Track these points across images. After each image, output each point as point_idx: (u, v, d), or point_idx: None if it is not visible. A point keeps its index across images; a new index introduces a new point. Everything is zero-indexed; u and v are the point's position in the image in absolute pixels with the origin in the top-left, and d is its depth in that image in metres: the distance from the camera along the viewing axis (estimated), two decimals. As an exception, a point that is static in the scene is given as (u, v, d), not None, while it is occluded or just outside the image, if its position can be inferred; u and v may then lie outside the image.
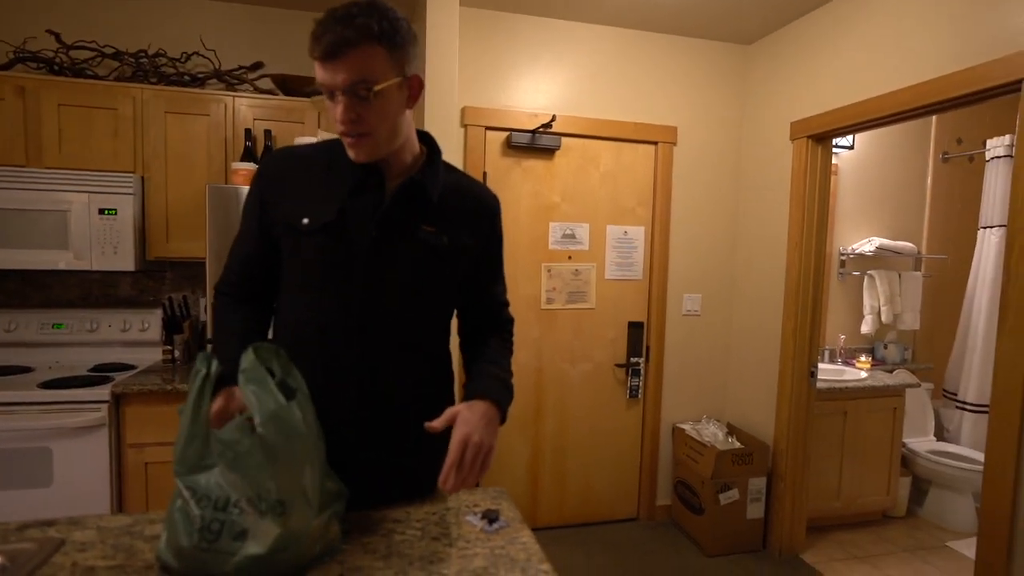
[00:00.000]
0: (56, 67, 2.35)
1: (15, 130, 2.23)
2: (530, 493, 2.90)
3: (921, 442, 3.28)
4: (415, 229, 1.05)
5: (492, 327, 1.23)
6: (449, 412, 1.01)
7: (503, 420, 1.08)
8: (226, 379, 0.96)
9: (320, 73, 0.93)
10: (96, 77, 2.39)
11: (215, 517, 0.86)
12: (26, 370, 2.36)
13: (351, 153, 1.00)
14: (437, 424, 0.99)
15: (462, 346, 1.26)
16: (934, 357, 3.59)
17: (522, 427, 2.85)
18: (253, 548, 0.84)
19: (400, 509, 1.15)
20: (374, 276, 1.04)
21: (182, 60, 2.51)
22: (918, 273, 3.48)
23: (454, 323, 1.25)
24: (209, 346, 2.17)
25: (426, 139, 1.13)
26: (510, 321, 1.26)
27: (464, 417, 1.00)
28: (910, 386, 3.09)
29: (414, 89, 1.00)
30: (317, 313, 1.05)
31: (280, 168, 1.09)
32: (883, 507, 3.09)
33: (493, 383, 1.10)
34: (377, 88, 0.92)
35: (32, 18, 2.47)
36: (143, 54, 2.45)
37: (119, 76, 2.44)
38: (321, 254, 1.03)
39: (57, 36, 2.36)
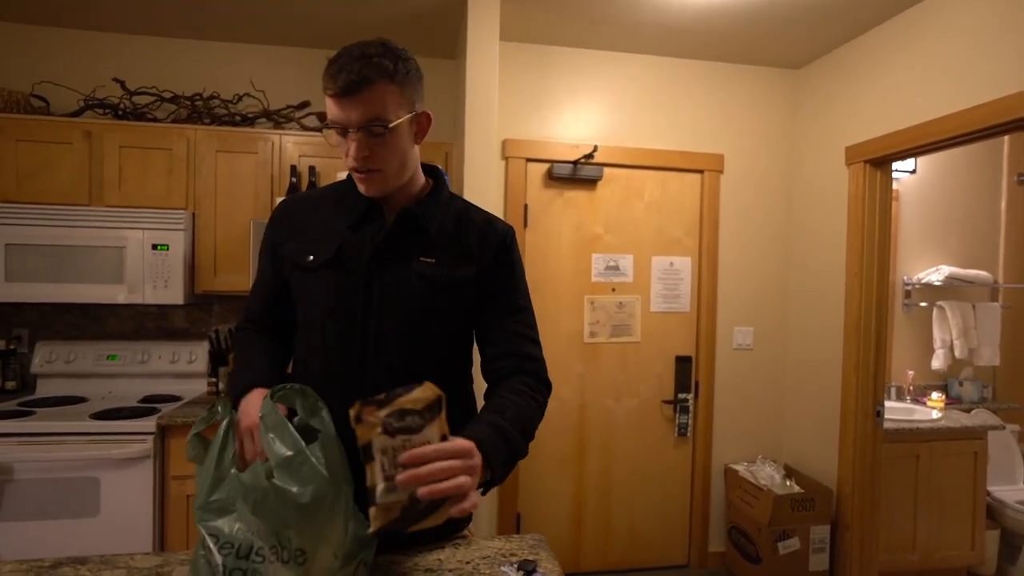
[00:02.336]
0: (120, 112, 2.49)
1: (81, 172, 2.35)
2: (572, 535, 2.77)
3: (1009, 491, 2.97)
4: (411, 261, 1.04)
5: (516, 371, 1.09)
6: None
7: (493, 477, 0.89)
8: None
9: (334, 110, 0.94)
10: (155, 120, 2.52)
11: (236, 566, 0.83)
12: (81, 400, 2.44)
13: (362, 188, 1.01)
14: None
15: (487, 392, 1.12)
16: (1020, 396, 3.28)
17: (564, 466, 2.74)
18: (273, 601, 0.80)
19: (431, 556, 1.09)
20: (372, 309, 1.04)
21: (234, 101, 2.62)
22: (995, 304, 3.22)
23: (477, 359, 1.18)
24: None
25: (433, 172, 1.14)
26: (539, 375, 1.10)
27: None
28: (993, 428, 2.82)
29: (423, 125, 1.03)
30: (323, 348, 1.07)
31: (289, 211, 1.14)
32: (968, 563, 2.79)
33: (487, 432, 0.90)
34: (392, 125, 0.94)
35: (102, 67, 2.63)
36: (198, 97, 2.56)
37: (176, 118, 2.56)
38: (324, 289, 1.05)
39: (122, 84, 2.51)
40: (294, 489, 0.81)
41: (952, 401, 3.15)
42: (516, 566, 1.07)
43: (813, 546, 2.51)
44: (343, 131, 0.95)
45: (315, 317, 1.08)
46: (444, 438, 0.77)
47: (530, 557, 1.11)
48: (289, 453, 0.82)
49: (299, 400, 0.90)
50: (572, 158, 2.69)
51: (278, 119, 2.62)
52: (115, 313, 2.69)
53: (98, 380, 2.58)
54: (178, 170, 2.40)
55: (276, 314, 1.16)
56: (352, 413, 0.74)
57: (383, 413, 0.73)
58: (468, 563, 1.09)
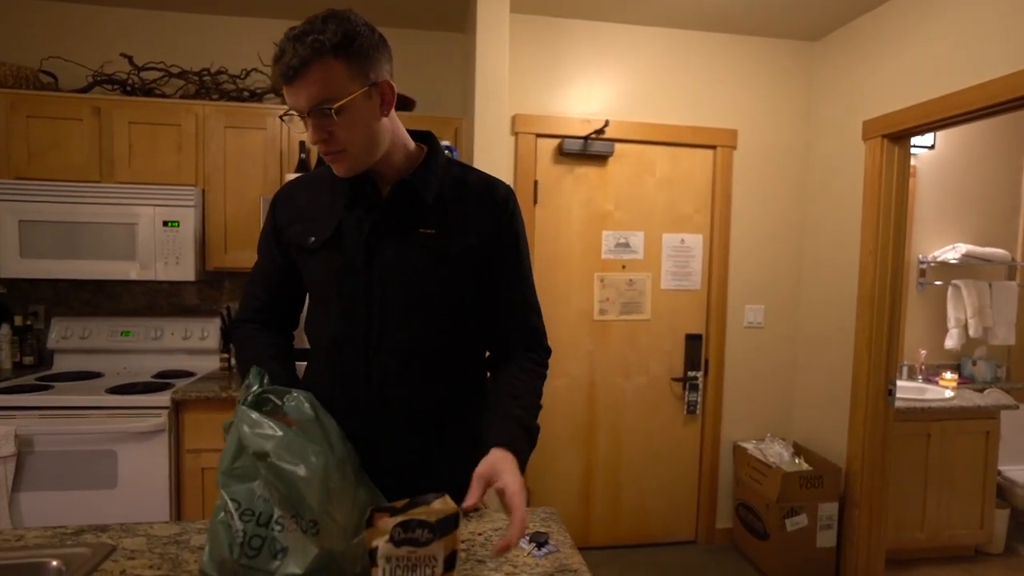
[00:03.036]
0: (128, 88, 2.48)
1: (91, 148, 2.35)
2: (582, 511, 2.80)
3: (1021, 471, 2.97)
4: (411, 233, 1.03)
5: (520, 345, 1.12)
6: (477, 478, 0.89)
7: (522, 470, 0.95)
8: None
9: (287, 98, 0.91)
10: (163, 95, 2.51)
11: (256, 533, 0.84)
12: (97, 375, 2.47)
13: (335, 169, 1.00)
14: (471, 501, 0.86)
15: (490, 365, 1.16)
16: (1032, 375, 3.25)
17: (574, 443, 2.75)
18: (291, 567, 0.82)
19: (444, 528, 1.10)
20: (374, 285, 1.03)
21: (242, 76, 2.60)
22: (1013, 283, 3.17)
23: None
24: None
25: (426, 138, 1.12)
26: (542, 346, 1.14)
27: (498, 469, 0.89)
28: (1006, 407, 2.80)
29: (386, 95, 0.96)
30: (329, 326, 1.08)
31: (289, 195, 1.13)
32: (976, 541, 2.80)
33: (513, 429, 0.97)
34: (337, 105, 0.88)
35: (109, 43, 2.61)
36: (206, 72, 2.54)
37: (184, 94, 2.54)
38: (326, 269, 1.05)
39: (130, 59, 2.49)
40: (288, 467, 0.83)
41: (965, 380, 3.13)
42: (529, 538, 1.08)
43: (821, 523, 2.52)
44: (301, 116, 0.92)
45: (321, 297, 1.09)
46: (452, 555, 0.76)
47: (542, 530, 1.12)
48: (277, 435, 0.84)
49: (273, 396, 0.92)
50: (583, 133, 2.65)
51: (286, 94, 2.60)
52: (129, 290, 2.71)
53: (113, 356, 2.61)
54: (187, 146, 2.40)
55: (280, 303, 1.16)
56: (365, 516, 0.75)
57: (393, 522, 0.74)
58: (480, 535, 1.10)
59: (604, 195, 2.75)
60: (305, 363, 1.17)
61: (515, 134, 2.63)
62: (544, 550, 1.04)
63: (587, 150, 2.66)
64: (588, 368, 2.75)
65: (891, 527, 2.58)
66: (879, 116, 2.45)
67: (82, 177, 2.36)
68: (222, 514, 0.88)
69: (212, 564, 0.88)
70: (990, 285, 3.11)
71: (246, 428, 0.85)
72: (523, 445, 0.96)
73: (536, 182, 2.66)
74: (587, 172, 2.73)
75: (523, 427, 0.99)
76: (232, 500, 0.87)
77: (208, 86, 2.51)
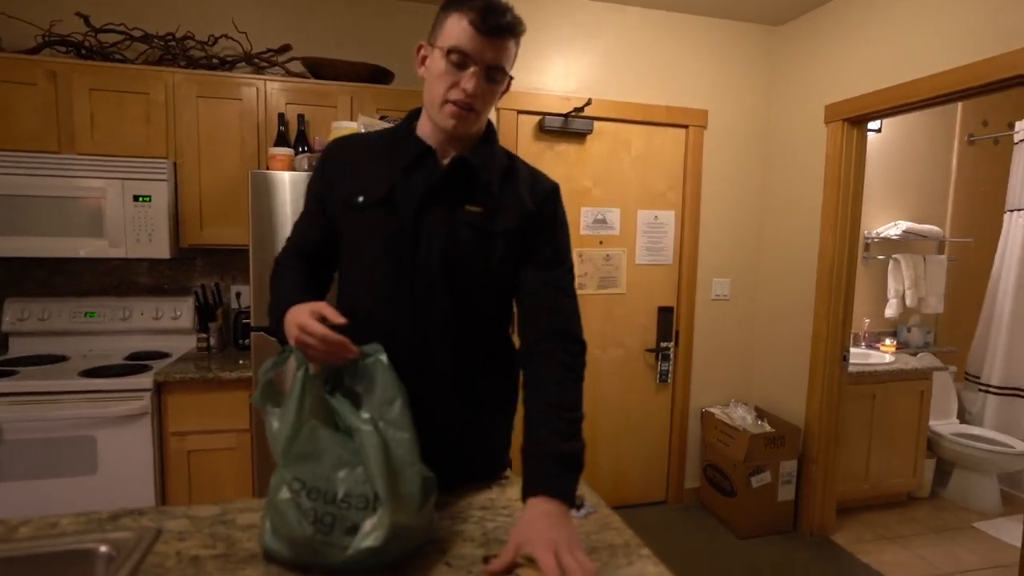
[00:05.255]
0: (84, 51, 2.31)
1: (47, 116, 2.19)
2: (561, 478, 2.91)
3: (945, 425, 3.31)
4: (458, 208, 1.05)
5: (552, 333, 1.07)
6: (511, 545, 0.85)
7: (571, 503, 0.93)
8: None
9: (469, 42, 0.95)
10: (125, 61, 2.35)
11: (327, 511, 0.86)
12: (61, 359, 2.34)
13: (451, 123, 1.00)
14: (499, 567, 0.83)
15: (521, 357, 1.10)
16: (957, 340, 3.60)
17: (554, 412, 2.85)
18: (367, 542, 0.84)
19: (481, 496, 1.15)
20: (420, 252, 1.04)
21: (210, 43, 2.47)
22: (942, 256, 3.48)
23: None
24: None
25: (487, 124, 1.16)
26: (574, 336, 1.08)
27: (529, 534, 0.84)
28: (937, 369, 3.10)
29: (508, 86, 1.07)
30: (370, 288, 1.09)
31: (343, 151, 1.13)
32: (909, 488, 3.12)
33: (547, 468, 0.93)
34: (508, 80, 1.03)
35: (60, 0, 2.40)
36: (171, 37, 2.39)
37: (147, 60, 2.39)
38: (374, 230, 1.06)
39: (86, 19, 2.31)
40: (378, 440, 0.87)
41: (901, 346, 3.43)
42: (565, 501, 1.15)
43: (782, 479, 2.74)
44: (462, 63, 0.96)
45: (363, 258, 1.09)
46: None
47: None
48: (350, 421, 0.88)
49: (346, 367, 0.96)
50: (563, 111, 2.69)
51: (260, 63, 2.49)
52: (91, 268, 2.56)
53: (77, 338, 2.48)
54: (156, 116, 2.27)
55: (318, 250, 1.15)
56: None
57: None
58: (516, 500, 1.16)
59: (583, 172, 2.81)
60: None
61: (497, 110, 2.63)
62: (583, 511, 1.12)
63: (567, 127, 2.70)
64: (567, 341, 2.83)
65: (841, 480, 2.84)
66: (840, 101, 2.61)
67: (38, 147, 2.20)
68: (286, 494, 0.89)
69: (278, 541, 0.89)
70: (924, 259, 3.40)
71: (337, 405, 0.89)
72: (562, 483, 0.92)
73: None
74: (567, 150, 2.77)
75: (559, 460, 0.94)
76: (296, 480, 0.89)
77: (174, 52, 2.37)
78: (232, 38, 2.50)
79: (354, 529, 0.86)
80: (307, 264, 1.16)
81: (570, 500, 0.92)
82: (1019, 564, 1.92)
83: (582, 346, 1.09)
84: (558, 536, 0.83)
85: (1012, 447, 3.02)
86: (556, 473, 0.93)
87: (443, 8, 1.01)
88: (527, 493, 0.92)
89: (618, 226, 2.88)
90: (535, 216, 1.10)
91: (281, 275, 1.15)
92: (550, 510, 0.88)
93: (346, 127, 2.11)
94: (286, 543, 0.88)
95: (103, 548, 0.94)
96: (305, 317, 0.91)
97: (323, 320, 0.91)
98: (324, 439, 0.91)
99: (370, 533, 0.85)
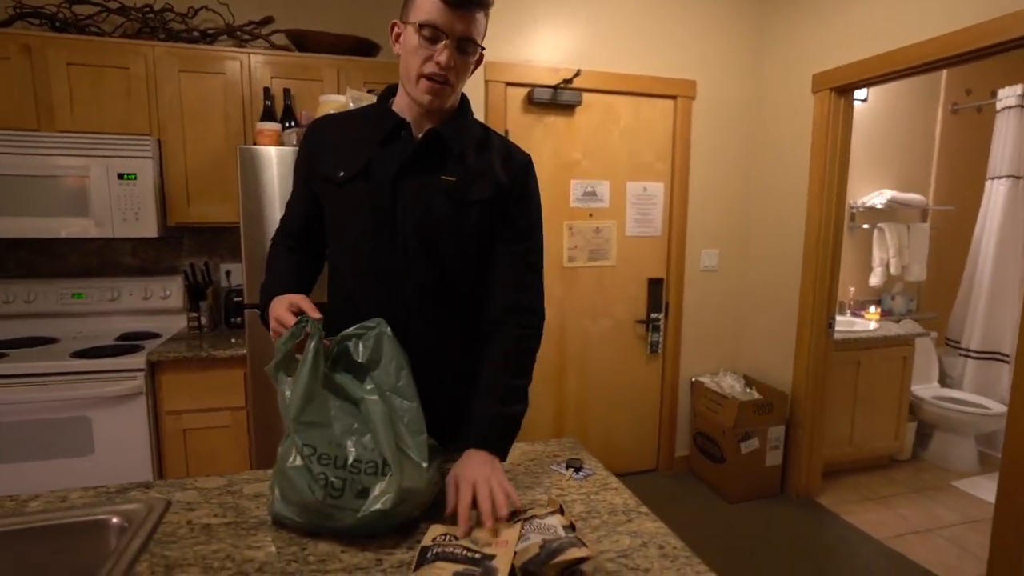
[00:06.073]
0: (59, 23, 2.23)
1: (23, 92, 2.12)
2: (555, 448, 2.96)
3: (926, 388, 3.41)
4: (434, 178, 1.08)
5: (513, 305, 1.12)
6: (450, 481, 0.97)
7: (503, 458, 1.04)
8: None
9: (439, 15, 0.97)
10: (101, 33, 2.28)
11: (337, 475, 0.88)
12: (51, 341, 2.32)
13: (427, 98, 1.03)
14: (449, 505, 0.94)
15: (482, 326, 1.14)
16: (938, 306, 3.68)
17: (546, 383, 2.89)
18: (376, 505, 0.87)
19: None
20: (397, 222, 1.07)
21: (190, 15, 2.40)
22: (925, 225, 3.53)
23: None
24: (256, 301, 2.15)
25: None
26: (533, 309, 1.15)
27: (463, 474, 0.96)
28: (920, 335, 3.18)
29: (480, 59, 1.08)
30: (353, 259, 1.12)
31: (324, 129, 1.17)
32: (891, 451, 3.23)
33: (491, 427, 1.04)
34: (480, 51, 1.04)
35: (27, -29, 2.32)
36: (149, 9, 2.33)
37: (125, 32, 2.32)
38: (352, 203, 1.09)
39: (59, -10, 2.23)
40: (384, 409, 0.88)
41: (885, 314, 3.51)
42: (565, 464, 1.18)
43: (770, 444, 2.81)
44: (434, 37, 0.98)
45: (346, 231, 1.13)
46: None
47: (574, 456, 1.22)
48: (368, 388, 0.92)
49: (350, 344, 0.99)
50: (552, 82, 2.67)
51: (242, 36, 2.43)
52: (77, 249, 2.52)
53: (64, 320, 2.45)
54: (138, 92, 2.21)
55: (308, 226, 1.19)
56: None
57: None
58: (519, 465, 1.19)
59: (572, 144, 2.80)
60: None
61: (486, 82, 2.61)
62: (582, 473, 1.15)
63: (556, 99, 2.68)
64: (558, 313, 2.86)
65: (826, 444, 2.92)
66: (827, 70, 2.61)
67: (14, 124, 2.14)
68: (296, 460, 0.91)
69: (288, 507, 0.91)
70: (908, 227, 3.46)
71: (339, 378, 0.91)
72: (497, 441, 1.04)
73: (507, 131, 2.66)
74: (556, 122, 2.76)
75: (498, 421, 1.05)
76: (307, 446, 0.90)
77: (153, 24, 2.31)
78: (213, 10, 2.44)
79: (364, 492, 0.88)
80: (299, 244, 1.21)
81: (502, 454, 1.04)
82: (993, 518, 2.01)
83: (540, 319, 1.17)
84: (480, 473, 0.94)
85: (989, 408, 3.12)
86: (494, 431, 1.05)
87: None
88: (467, 446, 1.03)
89: (607, 198, 2.89)
90: (509, 188, 1.13)
91: (272, 260, 1.21)
92: (478, 455, 1.00)
93: (334, 100, 2.08)
94: (296, 508, 0.90)
95: (115, 519, 0.95)
96: (282, 310, 0.98)
97: (300, 313, 0.97)
98: (334, 408, 0.93)
99: (380, 497, 0.87)
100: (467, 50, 1.01)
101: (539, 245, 1.19)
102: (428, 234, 1.08)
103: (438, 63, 0.98)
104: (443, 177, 1.08)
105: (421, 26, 0.98)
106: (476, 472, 0.95)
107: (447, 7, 0.96)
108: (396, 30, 1.06)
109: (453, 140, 1.09)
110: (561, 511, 0.90)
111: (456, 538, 0.85)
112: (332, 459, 0.89)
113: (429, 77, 1.00)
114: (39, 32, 2.18)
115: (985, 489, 2.93)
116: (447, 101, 1.06)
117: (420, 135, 1.08)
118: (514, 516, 0.89)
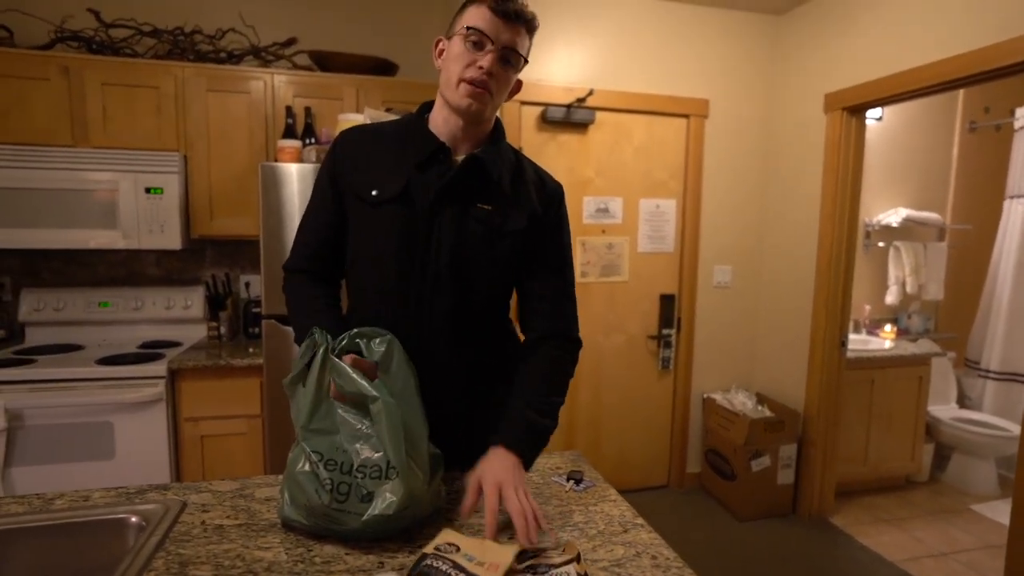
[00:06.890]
0: (95, 46, 2.35)
1: (60, 110, 2.24)
2: (565, 462, 2.97)
3: (944, 409, 3.35)
4: (470, 206, 1.08)
5: (551, 331, 1.16)
6: (472, 480, 0.97)
7: (527, 467, 1.03)
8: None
9: (487, 22, 1.00)
10: (134, 55, 2.39)
11: (343, 480, 0.91)
12: (77, 348, 2.41)
13: (466, 102, 1.02)
14: (467, 504, 0.95)
15: (521, 348, 1.18)
16: (956, 326, 3.63)
17: (557, 399, 2.91)
18: (380, 509, 0.90)
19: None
20: (431, 247, 1.07)
21: (217, 37, 2.51)
22: (942, 244, 3.50)
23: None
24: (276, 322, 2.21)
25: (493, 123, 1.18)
26: (570, 336, 1.17)
27: (482, 469, 0.97)
28: (936, 355, 3.14)
29: (518, 84, 1.10)
30: (379, 279, 1.10)
31: (353, 143, 1.13)
32: (907, 472, 3.17)
33: (524, 432, 1.04)
34: (522, 65, 1.05)
35: (68, -4, 2.46)
36: (180, 31, 2.44)
37: (156, 54, 2.44)
38: (387, 225, 1.07)
39: (97, 15, 2.35)
40: (392, 414, 0.92)
41: (901, 333, 3.47)
42: (566, 477, 1.21)
43: (782, 463, 2.79)
44: (479, 42, 1.00)
45: (374, 253, 1.10)
46: None
47: (575, 469, 1.25)
48: (365, 390, 0.93)
49: (361, 342, 1.00)
50: (565, 101, 2.72)
51: (266, 56, 2.53)
52: (104, 259, 2.62)
53: (91, 327, 2.54)
54: (167, 110, 2.32)
55: (329, 249, 1.15)
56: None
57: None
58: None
59: (585, 162, 2.85)
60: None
61: (500, 101, 2.67)
62: (583, 485, 1.17)
63: (569, 118, 2.73)
64: (570, 329, 2.89)
65: (840, 462, 2.89)
66: (840, 90, 2.63)
67: (51, 141, 2.25)
68: (305, 465, 0.95)
69: (296, 511, 0.95)
70: (925, 246, 3.43)
71: (345, 376, 0.94)
72: (527, 446, 1.02)
73: (520, 149, 2.72)
74: (569, 140, 2.81)
75: (532, 429, 1.05)
76: (314, 452, 0.95)
77: (183, 46, 2.42)
78: (240, 32, 2.55)
79: (369, 497, 0.92)
80: (318, 268, 1.17)
81: (528, 462, 1.02)
82: (1007, 542, 1.98)
83: (577, 345, 1.19)
84: (506, 477, 0.94)
85: (1009, 431, 3.06)
86: (526, 438, 1.04)
87: (462, 6, 1.05)
88: (495, 442, 1.01)
89: (620, 215, 2.92)
90: (542, 218, 1.14)
91: (298, 291, 1.16)
92: (507, 458, 0.98)
93: (352, 119, 2.15)
94: (304, 512, 0.94)
95: (134, 518, 1.00)
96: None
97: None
98: (340, 415, 0.97)
99: (384, 501, 0.91)
100: (510, 60, 1.02)
101: (572, 273, 1.21)
102: (460, 261, 1.08)
103: (481, 67, 0.99)
104: (480, 205, 1.08)
105: (468, 29, 0.99)
106: (502, 476, 0.94)
107: (495, 15, 0.99)
108: (440, 45, 1.07)
109: (492, 165, 1.08)
110: (579, 559, 0.85)
111: (458, 548, 0.87)
112: (338, 464, 0.93)
113: (470, 81, 1.01)
114: (76, 54, 2.30)
115: (1004, 513, 2.86)
116: (485, 109, 1.04)
117: (459, 158, 1.09)
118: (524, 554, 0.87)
